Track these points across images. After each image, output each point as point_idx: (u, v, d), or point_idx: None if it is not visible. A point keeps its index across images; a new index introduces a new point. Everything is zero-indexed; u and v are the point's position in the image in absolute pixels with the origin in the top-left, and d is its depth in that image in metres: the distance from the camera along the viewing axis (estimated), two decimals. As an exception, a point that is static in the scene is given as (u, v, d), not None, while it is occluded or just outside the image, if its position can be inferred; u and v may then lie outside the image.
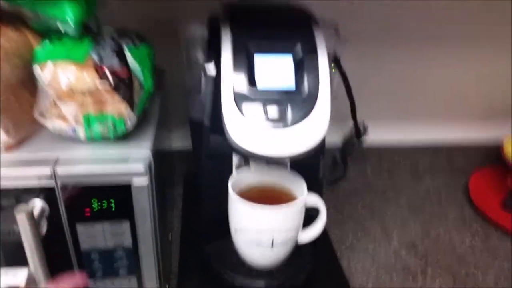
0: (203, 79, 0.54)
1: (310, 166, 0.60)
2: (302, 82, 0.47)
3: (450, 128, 0.92)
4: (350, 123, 0.81)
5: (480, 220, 0.84)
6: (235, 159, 0.59)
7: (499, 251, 0.76)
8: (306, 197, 0.55)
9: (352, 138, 0.79)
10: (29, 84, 0.45)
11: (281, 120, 0.45)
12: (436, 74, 0.85)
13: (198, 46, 0.56)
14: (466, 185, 0.91)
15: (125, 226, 0.48)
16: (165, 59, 0.65)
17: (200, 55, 0.55)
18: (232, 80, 0.47)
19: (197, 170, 0.62)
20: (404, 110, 0.89)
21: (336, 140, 0.84)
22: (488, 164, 0.95)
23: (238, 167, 0.59)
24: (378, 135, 0.88)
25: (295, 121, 0.46)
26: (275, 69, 0.47)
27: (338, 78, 0.69)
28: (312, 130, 0.46)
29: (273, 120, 0.45)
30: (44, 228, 0.46)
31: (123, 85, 0.43)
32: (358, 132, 0.78)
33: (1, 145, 0.44)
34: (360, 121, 0.78)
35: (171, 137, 0.83)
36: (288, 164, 0.61)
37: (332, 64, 0.70)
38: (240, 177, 0.58)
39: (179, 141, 0.84)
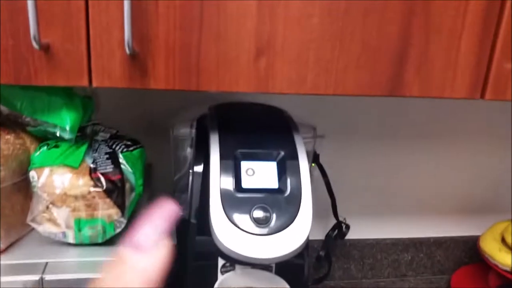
0: (190, 178, 0.56)
1: (295, 267, 0.61)
2: (286, 186, 0.50)
3: (429, 224, 0.94)
4: (332, 219, 0.83)
5: (465, 320, 0.83)
6: (221, 261, 0.59)
7: None
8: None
9: (334, 235, 0.81)
10: (22, 187, 0.46)
11: (267, 223, 0.47)
12: (414, 171, 0.89)
13: (186, 145, 0.58)
14: (448, 282, 0.91)
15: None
16: (154, 154, 0.66)
17: (188, 154, 0.57)
18: (219, 184, 0.49)
19: (183, 274, 0.61)
20: (384, 206, 0.91)
21: (319, 237, 0.85)
22: (469, 260, 0.97)
23: (223, 270, 0.59)
24: (359, 231, 0.89)
25: (280, 225, 0.47)
26: (260, 174, 0.50)
27: (317, 172, 0.72)
28: (297, 234, 0.48)
29: (259, 224, 0.47)
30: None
31: (116, 189, 0.44)
32: (340, 229, 0.79)
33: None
34: (342, 218, 0.80)
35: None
36: (274, 268, 0.61)
37: (312, 164, 0.73)
38: (226, 281, 0.57)
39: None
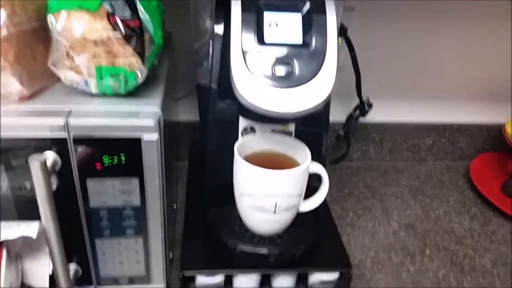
0: (211, 43, 0.55)
1: (314, 138, 0.61)
2: (310, 39, 0.48)
3: (454, 109, 0.92)
4: (355, 101, 0.82)
5: (480, 203, 0.85)
6: (241, 125, 0.60)
7: (497, 235, 0.77)
8: (309, 163, 0.55)
9: (356, 114, 0.80)
10: (43, 36, 0.45)
11: (289, 77, 0.46)
12: (444, 53, 0.85)
13: (206, 9, 0.56)
14: (467, 168, 0.92)
15: (135, 183, 0.49)
16: (173, 23, 0.65)
17: (208, 19, 0.55)
18: (240, 37, 0.47)
19: (203, 137, 0.63)
20: (410, 88, 0.89)
21: (340, 118, 0.84)
22: (490, 147, 0.96)
23: (244, 133, 0.60)
24: (381, 113, 0.88)
25: (302, 79, 0.46)
26: (284, 26, 0.48)
27: (345, 50, 0.70)
28: (319, 89, 0.47)
29: (280, 77, 0.46)
30: (54, 184, 0.47)
31: (134, 36, 0.43)
32: (363, 106, 0.78)
33: (15, 95, 0.45)
34: (365, 97, 0.79)
35: (177, 109, 0.84)
36: (293, 133, 0.61)
37: (339, 38, 0.71)
38: (246, 142, 0.58)
39: (185, 114, 0.85)
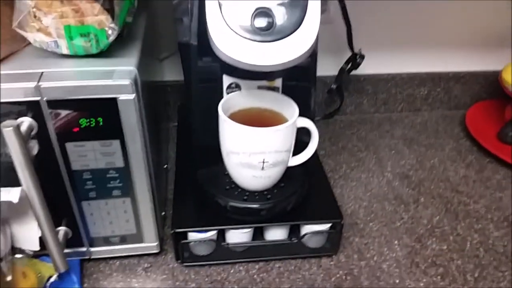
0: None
1: (301, 93, 0.60)
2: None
3: (449, 58, 0.90)
4: (347, 54, 0.79)
5: (476, 151, 0.84)
6: (226, 82, 0.58)
7: (492, 181, 0.77)
8: (296, 119, 0.55)
9: (348, 67, 0.78)
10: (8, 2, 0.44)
11: (269, 29, 0.44)
12: (436, 2, 0.82)
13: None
14: (463, 117, 0.91)
15: (115, 145, 0.48)
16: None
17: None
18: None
19: (188, 96, 0.62)
20: (403, 38, 0.86)
21: (333, 72, 0.83)
22: (487, 96, 0.95)
23: (229, 91, 0.59)
24: (375, 65, 0.86)
25: (284, 31, 0.44)
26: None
27: (335, 1, 0.67)
28: (302, 41, 0.45)
29: (260, 29, 0.44)
30: (35, 149, 0.47)
31: (103, -8, 0.42)
32: (354, 58, 0.76)
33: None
34: (357, 49, 0.77)
35: (163, 69, 0.83)
36: (280, 88, 0.60)
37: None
38: (231, 100, 0.57)
39: (173, 74, 0.83)
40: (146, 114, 0.50)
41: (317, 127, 0.57)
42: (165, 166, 0.72)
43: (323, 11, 0.46)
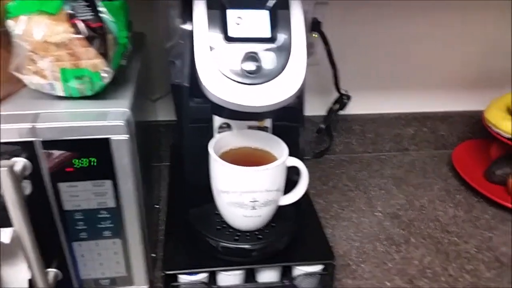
0: (182, 42, 0.55)
1: (290, 133, 0.61)
2: (276, 34, 0.48)
3: (434, 98, 0.93)
4: (334, 95, 0.82)
5: (464, 190, 0.85)
6: (217, 123, 0.60)
7: (481, 221, 0.78)
8: (285, 158, 0.56)
9: (336, 107, 0.80)
10: (5, 41, 0.45)
11: (257, 72, 0.46)
12: (422, 43, 0.86)
13: (174, 8, 0.56)
14: (450, 156, 0.92)
15: (108, 185, 0.48)
16: (147, 23, 0.66)
17: (177, 18, 0.55)
18: (206, 33, 0.47)
19: (180, 136, 0.63)
20: (389, 79, 0.89)
21: (321, 112, 0.85)
22: (472, 135, 0.97)
23: (220, 131, 0.60)
24: (362, 105, 0.89)
25: (270, 74, 0.46)
26: (249, 22, 0.48)
27: (321, 44, 0.70)
28: (289, 83, 0.47)
29: (248, 72, 0.46)
30: (28, 189, 0.47)
31: (97, 37, 0.43)
32: (341, 99, 0.78)
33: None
34: (343, 91, 0.79)
35: (156, 110, 0.84)
36: (270, 128, 0.61)
37: (314, 34, 0.71)
38: (222, 139, 0.58)
39: (165, 114, 0.85)
40: (139, 154, 0.50)
41: (308, 166, 0.58)
42: (156, 206, 0.72)
43: (310, 53, 0.49)
